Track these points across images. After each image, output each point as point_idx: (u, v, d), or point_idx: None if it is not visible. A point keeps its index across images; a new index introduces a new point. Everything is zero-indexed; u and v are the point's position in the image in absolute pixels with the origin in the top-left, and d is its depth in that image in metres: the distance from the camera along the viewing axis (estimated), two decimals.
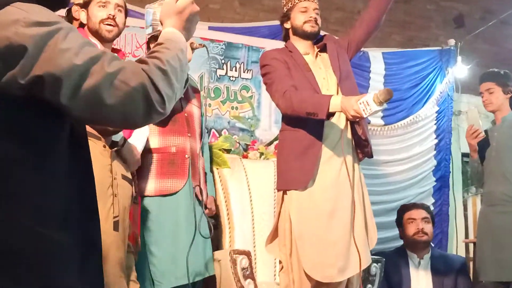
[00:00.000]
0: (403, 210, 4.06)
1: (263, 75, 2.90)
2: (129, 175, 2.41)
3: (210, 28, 4.52)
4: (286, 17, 2.92)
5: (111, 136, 2.30)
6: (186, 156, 2.92)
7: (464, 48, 5.22)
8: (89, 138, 2.14)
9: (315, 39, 2.94)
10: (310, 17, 2.85)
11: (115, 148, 2.33)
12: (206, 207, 3.07)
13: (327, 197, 2.72)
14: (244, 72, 4.50)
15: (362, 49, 2.89)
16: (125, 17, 2.62)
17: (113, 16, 2.51)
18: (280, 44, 4.82)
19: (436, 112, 5.01)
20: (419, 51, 5.14)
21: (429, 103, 4.98)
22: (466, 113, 3.55)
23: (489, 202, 3.49)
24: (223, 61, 4.47)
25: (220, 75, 4.45)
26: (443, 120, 5.03)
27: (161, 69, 1.16)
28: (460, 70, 5.07)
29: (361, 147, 2.85)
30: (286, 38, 2.99)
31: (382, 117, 4.82)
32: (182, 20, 1.36)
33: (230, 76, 4.47)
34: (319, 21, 2.90)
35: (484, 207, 3.56)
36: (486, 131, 3.58)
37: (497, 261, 3.28)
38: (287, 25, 2.94)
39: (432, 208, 4.68)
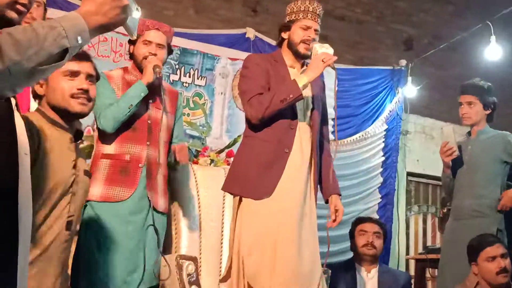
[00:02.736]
0: (357, 222, 4.09)
1: (240, 76, 2.92)
2: (88, 168, 2.33)
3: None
4: (286, 27, 2.92)
5: (75, 124, 2.19)
6: (140, 165, 2.84)
7: (414, 69, 5.36)
8: (56, 128, 2.06)
9: (305, 59, 2.97)
10: (309, 36, 2.86)
11: (79, 141, 2.24)
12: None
13: (286, 211, 2.72)
14: (198, 78, 4.45)
15: (331, 67, 2.91)
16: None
17: None
18: (237, 53, 4.90)
19: (384, 130, 5.11)
20: (371, 69, 5.25)
21: (378, 121, 5.08)
22: (441, 129, 3.54)
23: (457, 216, 3.50)
24: (177, 67, 4.41)
25: (173, 80, 4.39)
26: (391, 138, 5.14)
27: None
28: (410, 90, 5.21)
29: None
30: (279, 45, 3.00)
31: (332, 132, 4.86)
32: (96, 3, 1.30)
33: (184, 82, 4.42)
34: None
35: (451, 221, 3.55)
36: (459, 145, 3.53)
37: (459, 275, 3.31)
38: (285, 35, 2.94)
39: None
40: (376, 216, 4.92)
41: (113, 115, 2.81)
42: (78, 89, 2.08)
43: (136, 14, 1.43)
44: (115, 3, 1.29)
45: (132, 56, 3.01)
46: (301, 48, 2.88)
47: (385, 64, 5.51)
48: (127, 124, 2.85)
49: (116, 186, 2.80)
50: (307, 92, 2.84)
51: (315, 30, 2.92)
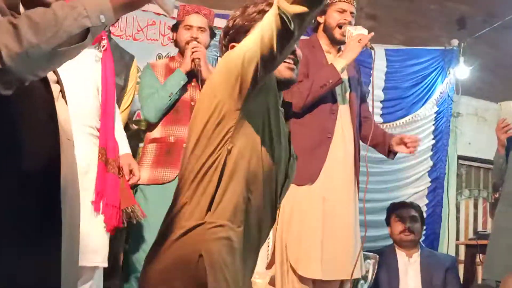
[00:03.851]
0: (391, 208, 4.04)
1: None
2: None
3: (216, 15, 4.43)
4: (321, 10, 2.89)
5: None
6: (184, 145, 2.87)
7: (467, 49, 5.19)
8: None
9: (340, 45, 2.93)
10: (345, 19, 2.83)
11: None
12: None
13: (331, 197, 2.72)
14: None
15: (368, 47, 2.87)
16: None
17: None
18: None
19: (435, 112, 4.98)
20: (421, 49, 5.11)
21: (428, 103, 4.96)
22: (500, 106, 3.42)
23: (509, 202, 3.42)
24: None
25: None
26: (441, 121, 5.01)
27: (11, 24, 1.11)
28: (462, 71, 5.05)
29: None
30: (315, 30, 2.98)
31: (381, 115, 4.79)
32: None
33: None
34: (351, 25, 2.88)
35: (503, 207, 3.45)
36: None
37: (510, 264, 3.22)
38: (320, 19, 2.93)
39: (425, 209, 4.67)
40: (425, 201, 4.84)
41: (155, 105, 2.85)
42: None
43: None
44: None
45: (176, 44, 3.02)
46: (337, 34, 2.85)
47: (436, 44, 5.35)
48: (171, 107, 2.89)
49: (162, 168, 2.86)
50: (343, 75, 2.81)
51: (351, 13, 2.87)
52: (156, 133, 2.93)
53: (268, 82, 1.61)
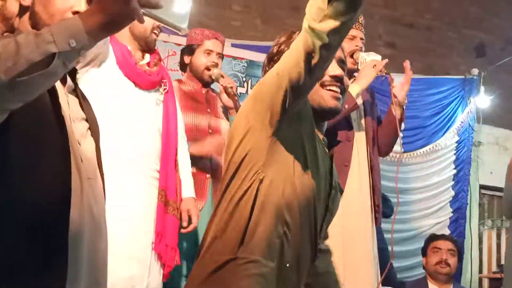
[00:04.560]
0: (430, 239, 3.97)
1: None
2: None
3: (232, 45, 4.47)
4: None
5: None
6: (207, 176, 2.87)
7: (487, 77, 5.16)
8: None
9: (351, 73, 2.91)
10: (356, 46, 2.81)
11: None
12: None
13: (349, 225, 2.69)
14: None
15: (383, 73, 2.85)
16: None
17: None
18: None
19: (456, 142, 4.95)
20: (441, 79, 5.09)
21: (449, 132, 4.93)
22: None
23: None
24: (244, 79, 4.43)
25: (240, 93, 4.40)
26: (462, 151, 4.97)
27: None
28: (483, 100, 5.02)
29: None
30: None
31: (401, 144, 4.75)
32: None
33: None
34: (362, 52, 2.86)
35: None
36: None
37: None
38: None
39: None
40: (447, 231, 4.76)
41: None
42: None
43: (177, 6, 1.22)
44: None
45: (183, 67, 3.02)
46: (348, 62, 2.83)
47: (456, 72, 5.33)
48: (189, 136, 2.87)
49: None
50: (358, 100, 2.80)
51: (361, 39, 2.86)
52: None
53: (303, 109, 1.53)
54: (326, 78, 1.60)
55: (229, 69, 4.37)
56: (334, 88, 1.60)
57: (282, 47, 1.65)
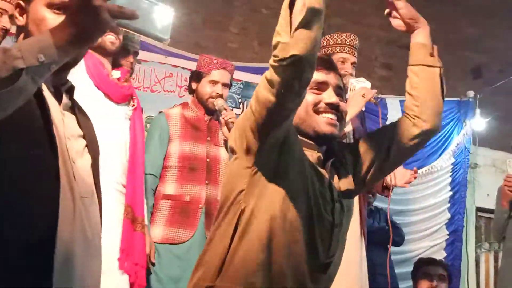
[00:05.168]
0: (419, 264, 3.95)
1: None
2: None
3: None
4: None
5: None
6: (200, 206, 2.85)
7: (483, 99, 5.18)
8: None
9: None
10: (346, 71, 2.82)
11: None
12: None
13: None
14: None
15: (379, 96, 2.83)
16: None
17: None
18: None
19: (452, 164, 4.95)
20: None
21: (445, 154, 4.93)
22: (509, 161, 3.37)
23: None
24: (240, 101, 4.45)
25: (236, 114, 4.41)
26: (458, 173, 4.96)
27: None
28: (479, 123, 5.03)
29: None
30: None
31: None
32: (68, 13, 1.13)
33: None
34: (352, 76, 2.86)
35: (507, 263, 3.36)
36: None
37: None
38: None
39: None
40: (443, 254, 4.75)
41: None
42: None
43: (158, 17, 1.17)
44: (86, 8, 1.10)
45: (192, 91, 3.04)
46: None
47: (453, 94, 5.34)
48: (186, 165, 2.88)
49: (177, 228, 2.82)
50: (347, 128, 2.78)
51: (352, 63, 2.86)
52: (169, 189, 2.89)
53: (288, 136, 1.52)
54: (322, 105, 1.61)
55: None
56: (329, 115, 1.60)
57: None
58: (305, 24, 1.33)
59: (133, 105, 2.61)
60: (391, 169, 1.78)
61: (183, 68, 4.32)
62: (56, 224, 1.23)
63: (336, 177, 1.66)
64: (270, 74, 1.39)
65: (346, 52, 2.86)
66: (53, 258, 1.21)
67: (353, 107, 2.71)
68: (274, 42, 1.37)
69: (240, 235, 1.47)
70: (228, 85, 3.02)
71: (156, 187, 2.90)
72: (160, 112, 3.08)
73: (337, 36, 2.90)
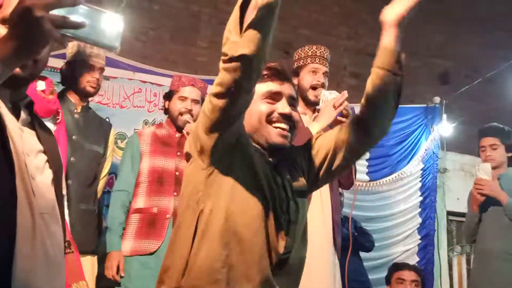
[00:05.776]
0: (394, 268, 3.98)
1: None
2: None
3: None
4: (295, 73, 2.95)
5: None
6: (167, 216, 2.88)
7: (450, 105, 5.27)
8: None
9: (315, 106, 2.96)
10: (318, 81, 2.87)
11: None
12: None
13: (311, 261, 2.71)
14: None
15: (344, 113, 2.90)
16: None
17: None
18: None
19: (421, 169, 5.02)
20: (404, 107, 5.17)
21: (414, 160, 5.00)
22: (478, 166, 3.44)
23: (484, 260, 3.37)
24: None
25: None
26: (428, 178, 5.03)
27: None
28: (445, 128, 5.11)
29: None
30: None
31: (367, 173, 4.81)
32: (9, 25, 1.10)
33: None
34: (325, 87, 2.91)
35: (479, 265, 3.44)
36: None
37: None
38: (295, 81, 2.97)
39: None
40: (416, 259, 4.80)
41: (110, 213, 2.91)
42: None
43: (107, 25, 1.15)
44: (27, 19, 1.06)
45: (166, 111, 3.09)
46: (311, 95, 2.89)
47: (421, 100, 5.43)
48: (155, 178, 2.91)
49: (145, 239, 2.85)
50: None
51: (324, 73, 2.91)
52: (140, 203, 2.94)
53: (240, 139, 1.56)
54: (275, 115, 1.65)
55: None
56: (281, 125, 1.64)
57: None
58: (257, 23, 1.35)
59: (58, 119, 2.60)
60: (341, 170, 1.81)
61: (152, 83, 4.34)
62: (14, 241, 1.21)
63: (289, 177, 1.70)
64: (220, 73, 1.42)
65: (316, 63, 2.92)
66: (9, 276, 1.19)
67: (324, 117, 2.76)
68: (224, 39, 1.40)
69: (201, 235, 1.50)
70: (198, 102, 3.05)
71: (130, 204, 2.95)
72: (135, 131, 3.15)
73: (308, 49, 2.96)
